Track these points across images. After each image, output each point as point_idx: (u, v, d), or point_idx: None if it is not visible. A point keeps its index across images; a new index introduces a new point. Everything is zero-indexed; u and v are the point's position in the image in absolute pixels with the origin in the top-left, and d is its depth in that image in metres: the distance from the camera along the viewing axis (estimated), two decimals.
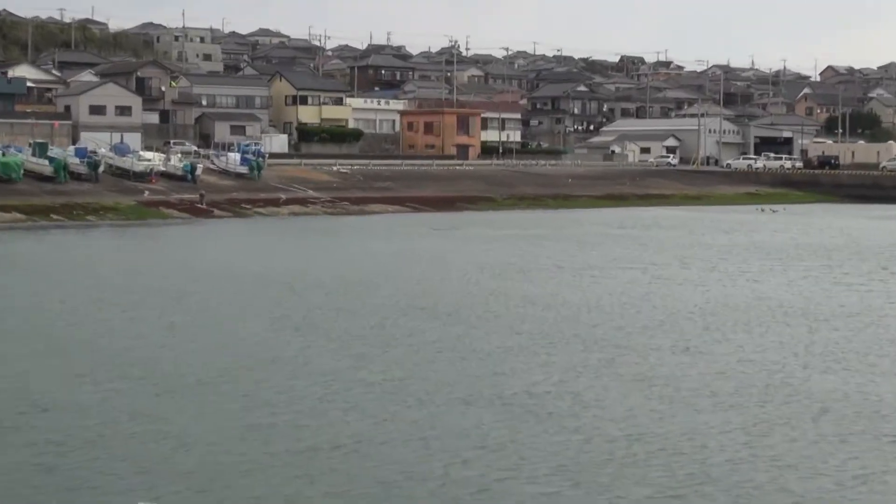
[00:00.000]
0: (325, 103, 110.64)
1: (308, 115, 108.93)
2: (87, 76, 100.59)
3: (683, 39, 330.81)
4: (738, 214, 77.22)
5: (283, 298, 32.41)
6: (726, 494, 15.30)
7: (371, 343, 25.57)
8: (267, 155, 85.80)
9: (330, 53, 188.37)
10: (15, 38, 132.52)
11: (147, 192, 69.31)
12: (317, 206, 72.87)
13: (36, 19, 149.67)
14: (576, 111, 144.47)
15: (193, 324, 28.00)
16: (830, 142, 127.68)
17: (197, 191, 69.77)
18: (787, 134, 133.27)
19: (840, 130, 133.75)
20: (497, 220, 68.53)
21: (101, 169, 71.20)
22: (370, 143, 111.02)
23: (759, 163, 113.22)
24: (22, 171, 67.04)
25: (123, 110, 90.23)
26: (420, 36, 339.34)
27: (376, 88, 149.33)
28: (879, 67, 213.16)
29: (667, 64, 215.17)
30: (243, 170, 78.74)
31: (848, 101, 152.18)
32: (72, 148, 75.41)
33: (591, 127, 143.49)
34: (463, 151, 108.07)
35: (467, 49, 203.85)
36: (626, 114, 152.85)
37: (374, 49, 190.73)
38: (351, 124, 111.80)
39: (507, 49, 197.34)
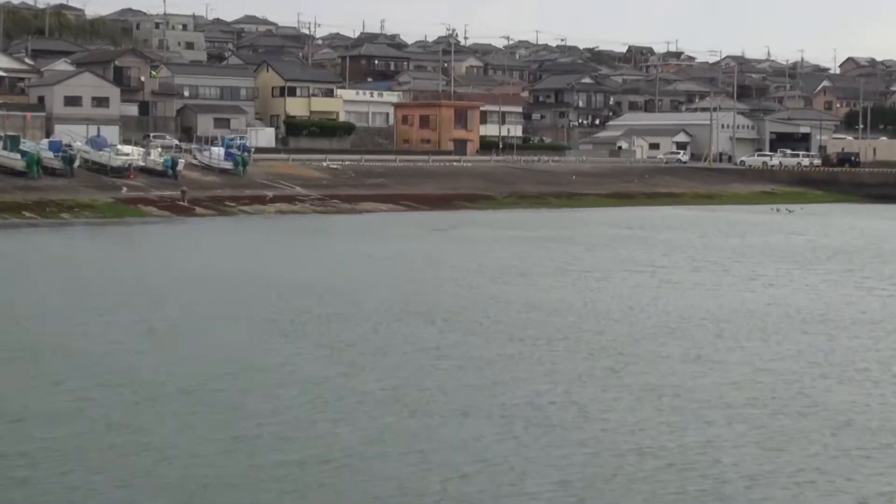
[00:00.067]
0: (314, 95, 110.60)
1: (296, 107, 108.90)
2: (62, 65, 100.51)
3: (695, 28, 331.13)
4: (752, 214, 77.27)
5: (270, 302, 32.38)
6: None
7: (363, 350, 25.56)
8: (253, 149, 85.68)
9: (320, 42, 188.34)
10: None
11: (125, 189, 69.23)
12: (305, 204, 72.84)
13: (8, 4, 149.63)
14: (580, 104, 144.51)
15: (175, 328, 27.98)
16: (850, 138, 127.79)
17: (178, 187, 69.72)
18: (804, 129, 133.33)
19: (861, 126, 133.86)
20: (497, 220, 68.48)
21: (77, 164, 71.05)
22: (362, 138, 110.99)
23: (775, 160, 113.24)
24: None
25: (100, 102, 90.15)
26: (416, 24, 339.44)
27: (369, 79, 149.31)
28: None
29: (677, 54, 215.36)
30: (227, 165, 78.64)
31: (869, 94, 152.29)
32: (45, 141, 75.24)
33: (597, 121, 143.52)
34: (461, 147, 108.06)
35: (466, 38, 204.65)
36: (633, 107, 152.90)
37: (367, 37, 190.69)
38: (342, 117, 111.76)
39: (507, 38, 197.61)
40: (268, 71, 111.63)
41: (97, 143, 75.85)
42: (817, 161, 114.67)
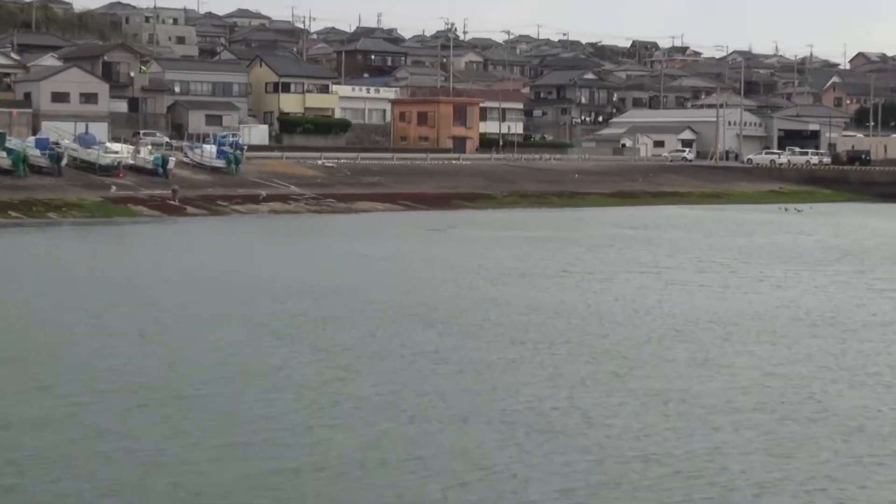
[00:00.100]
0: (309, 91, 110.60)
1: (290, 103, 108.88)
2: (50, 60, 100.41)
3: (701, 23, 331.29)
4: (759, 214, 77.30)
5: (264, 304, 32.37)
6: None
7: (360, 354, 25.55)
8: (245, 147, 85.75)
9: (315, 37, 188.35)
10: None
11: (114, 188, 69.22)
12: (300, 203, 72.84)
13: None
14: (583, 101, 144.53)
15: (165, 332, 27.97)
16: (861, 135, 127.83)
17: (169, 186, 69.72)
18: (813, 127, 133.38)
19: (872, 123, 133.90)
20: (497, 220, 68.49)
21: (64, 162, 71.05)
22: (358, 135, 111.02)
23: (783, 158, 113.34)
24: None
25: (89, 98, 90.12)
26: (413, 18, 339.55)
27: (365, 75, 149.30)
28: None
29: (683, 49, 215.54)
30: (220, 163, 78.64)
31: (880, 90, 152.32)
32: (32, 139, 75.23)
33: (600, 118, 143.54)
34: (460, 144, 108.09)
35: (465, 32, 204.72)
36: (637, 104, 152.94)
37: (363, 32, 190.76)
38: (337, 114, 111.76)
39: (508, 32, 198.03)
40: (261, 66, 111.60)
41: (85, 140, 75.81)
42: (827, 159, 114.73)
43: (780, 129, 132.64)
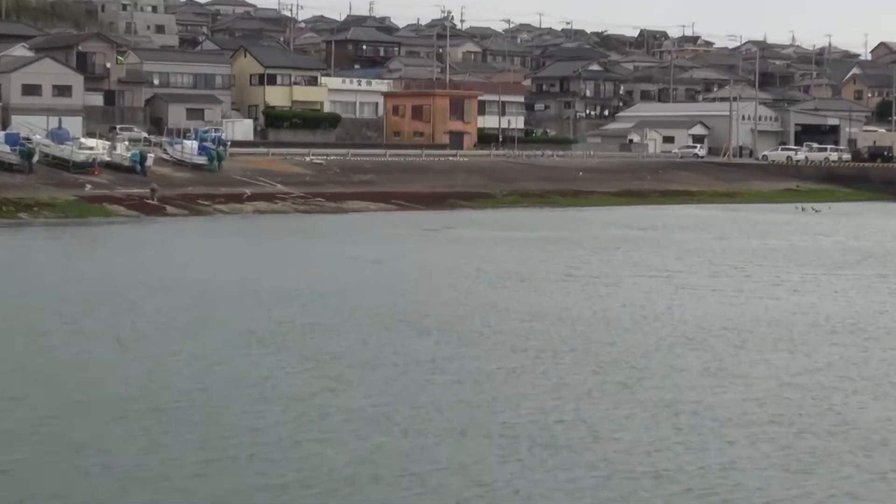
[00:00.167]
0: (296, 83, 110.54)
1: (277, 96, 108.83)
2: (20, 51, 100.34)
3: (713, 11, 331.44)
4: (775, 214, 77.35)
5: (249, 310, 32.34)
6: None
7: (351, 363, 25.53)
8: (229, 143, 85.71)
9: (303, 25, 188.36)
10: None
11: (89, 186, 69.17)
12: (286, 202, 72.82)
13: None
14: (588, 94, 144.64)
15: (144, 339, 27.93)
16: (883, 130, 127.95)
17: (147, 184, 69.67)
18: (832, 121, 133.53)
19: (894, 117, 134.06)
20: (496, 220, 68.48)
21: (36, 158, 71.00)
22: (349, 130, 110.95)
23: (800, 154, 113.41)
24: None
25: (62, 90, 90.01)
26: (407, 6, 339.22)
27: (356, 66, 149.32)
28: None
29: (694, 39, 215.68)
30: (201, 160, 78.60)
31: None
32: (1, 134, 75.15)
33: (606, 112, 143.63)
34: (457, 140, 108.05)
35: (462, 21, 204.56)
36: (646, 97, 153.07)
37: (354, 21, 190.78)
38: (327, 108, 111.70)
39: (508, 21, 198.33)
40: (245, 57, 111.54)
41: (58, 135, 75.77)
42: (846, 156, 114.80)
43: (796, 124, 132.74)
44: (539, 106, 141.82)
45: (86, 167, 71.97)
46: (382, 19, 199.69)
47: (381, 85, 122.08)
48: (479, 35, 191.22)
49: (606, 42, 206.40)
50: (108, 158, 73.88)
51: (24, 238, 54.36)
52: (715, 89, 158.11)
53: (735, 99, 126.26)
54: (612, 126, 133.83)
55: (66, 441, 19.13)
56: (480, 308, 33.44)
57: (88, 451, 18.57)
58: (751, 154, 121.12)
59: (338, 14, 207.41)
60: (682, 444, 19.52)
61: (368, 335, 28.82)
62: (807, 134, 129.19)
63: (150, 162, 74.57)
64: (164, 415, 20.84)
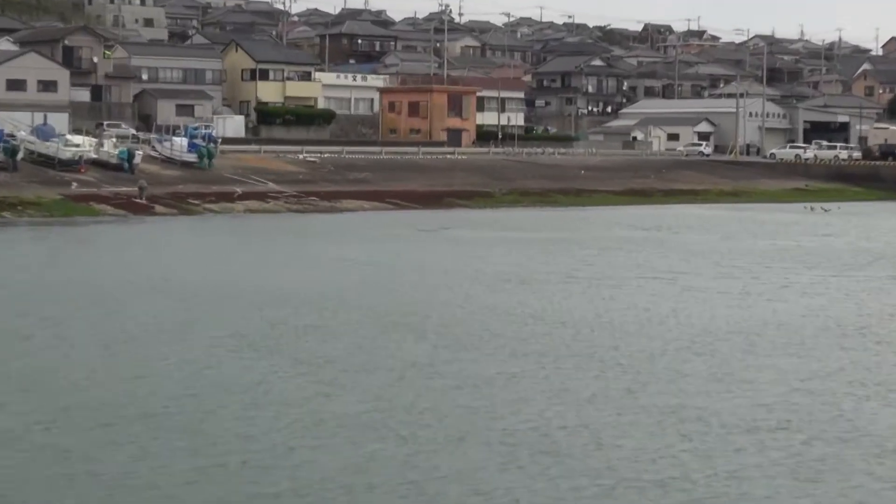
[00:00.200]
0: (289, 78, 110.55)
1: (269, 92, 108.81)
2: (5, 44, 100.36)
3: (719, 4, 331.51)
4: (783, 214, 77.38)
5: (240, 313, 32.32)
6: None
7: (345, 367, 25.51)
8: (220, 140, 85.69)
9: (296, 19, 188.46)
10: None
11: (75, 185, 69.13)
12: (279, 201, 72.81)
13: None
14: (590, 89, 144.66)
15: (132, 342, 27.91)
16: (895, 128, 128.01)
17: (135, 183, 69.61)
18: (842, 118, 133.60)
19: None
20: (496, 220, 68.49)
21: (21, 156, 70.95)
22: (344, 127, 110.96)
23: (809, 152, 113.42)
24: None
25: (47, 85, 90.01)
26: None
27: (351, 61, 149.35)
28: None
29: (699, 34, 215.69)
30: (191, 158, 78.60)
31: None
32: None
33: (609, 109, 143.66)
34: (455, 137, 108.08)
35: (460, 14, 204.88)
36: (650, 93, 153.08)
37: (349, 14, 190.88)
38: (320, 104, 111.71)
39: (508, 15, 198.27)
40: (237, 51, 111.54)
41: (44, 132, 75.71)
42: (857, 154, 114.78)
43: (805, 121, 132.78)
44: (540, 102, 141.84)
45: (72, 165, 71.92)
46: (378, 13, 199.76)
47: (377, 80, 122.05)
48: (478, 29, 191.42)
49: (609, 36, 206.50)
50: (94, 156, 73.83)
51: (8, 238, 54.32)
52: (721, 85, 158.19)
53: (742, 95, 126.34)
54: (614, 123, 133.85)
55: (51, 448, 19.10)
56: (479, 311, 33.43)
57: (74, 458, 18.54)
58: (758, 152, 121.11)
59: (332, 7, 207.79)
60: (689, 451, 19.51)
61: (363, 338, 28.80)
62: (816, 131, 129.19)
63: (138, 159, 74.53)
64: (152, 421, 20.81)
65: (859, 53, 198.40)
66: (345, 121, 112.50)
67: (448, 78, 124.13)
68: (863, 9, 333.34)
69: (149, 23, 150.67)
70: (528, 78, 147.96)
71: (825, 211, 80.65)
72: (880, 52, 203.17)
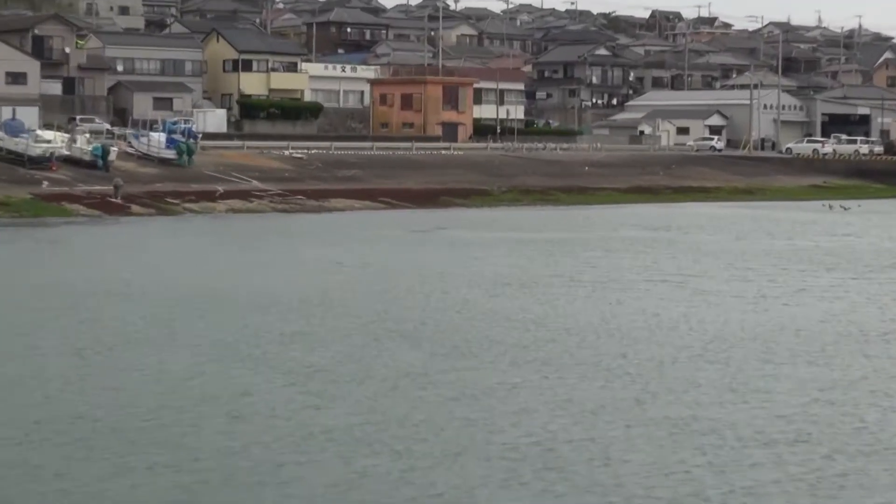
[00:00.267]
0: (274, 70, 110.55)
1: (253, 84, 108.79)
2: None
3: None
4: (800, 212, 77.45)
5: (223, 320, 32.30)
6: None
7: (335, 378, 25.48)
8: (200, 135, 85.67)
9: (281, 6, 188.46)
10: None
11: (46, 183, 69.06)
12: (263, 200, 72.78)
13: None
14: (594, 81, 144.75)
15: (107, 352, 27.87)
16: None
17: (110, 181, 69.57)
18: (863, 110, 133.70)
19: None
20: (494, 220, 68.50)
21: None
22: (332, 121, 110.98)
23: (828, 147, 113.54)
24: None
25: (16, 77, 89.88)
26: None
27: (340, 51, 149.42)
28: None
29: (710, 21, 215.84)
30: (170, 154, 78.59)
31: None
32: None
33: (614, 101, 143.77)
34: (450, 132, 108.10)
35: (456, 1, 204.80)
36: (657, 84, 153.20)
37: (338, 1, 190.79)
38: (307, 97, 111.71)
39: (506, 1, 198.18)
40: (218, 41, 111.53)
41: (12, 127, 75.62)
42: (878, 148, 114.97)
43: (823, 114, 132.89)
44: (541, 94, 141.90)
45: (42, 162, 71.86)
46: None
47: (368, 71, 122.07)
48: (475, 16, 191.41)
49: (615, 24, 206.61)
50: (66, 152, 73.75)
51: None
52: (734, 76, 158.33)
53: (756, 86, 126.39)
54: (620, 116, 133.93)
55: (21, 464, 19.05)
56: (477, 317, 33.42)
57: (46, 475, 18.50)
58: (773, 147, 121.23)
59: None
60: (702, 466, 19.49)
61: (354, 346, 28.78)
62: (835, 124, 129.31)
63: (113, 156, 74.49)
64: (129, 435, 20.77)
65: (881, 41, 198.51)
66: (333, 114, 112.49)
67: (443, 68, 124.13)
68: None
69: (124, 11, 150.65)
70: (528, 68, 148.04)
71: (845, 209, 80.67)
72: None
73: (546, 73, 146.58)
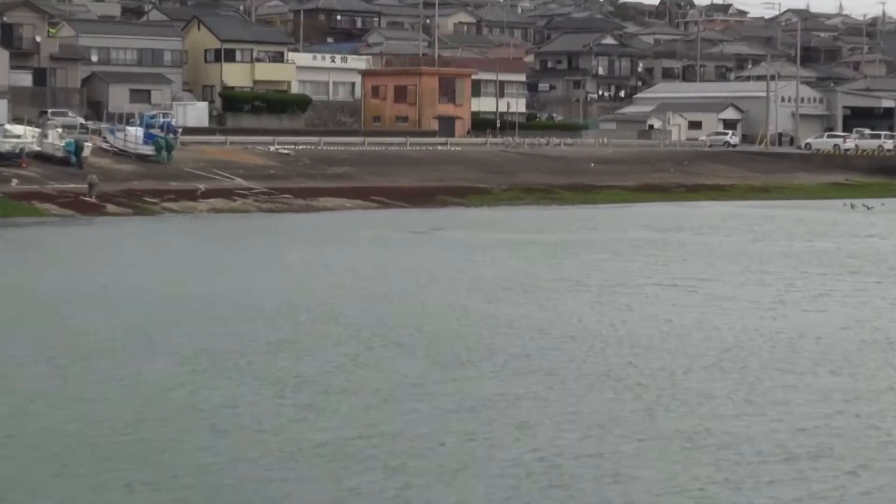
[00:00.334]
0: (259, 60, 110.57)
1: (236, 75, 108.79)
2: None
3: None
4: (820, 212, 77.50)
5: (204, 327, 32.27)
6: None
7: (324, 389, 25.46)
8: (180, 130, 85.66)
9: None
10: None
11: (15, 181, 69.04)
12: (248, 199, 72.79)
13: None
14: (600, 71, 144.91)
15: (81, 362, 27.83)
16: None
17: (84, 179, 69.57)
18: (887, 103, 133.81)
19: None
20: (494, 220, 68.52)
21: None
22: (321, 115, 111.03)
23: (850, 142, 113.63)
24: None
25: None
26: None
27: (329, 40, 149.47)
28: None
29: (724, 8, 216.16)
30: (147, 150, 78.63)
31: None
32: None
33: (622, 93, 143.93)
34: (447, 126, 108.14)
35: None
36: (668, 75, 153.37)
37: None
38: (295, 89, 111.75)
39: None
40: (199, 29, 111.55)
41: None
42: None
43: (845, 107, 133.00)
44: (543, 86, 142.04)
45: (11, 158, 71.88)
46: None
47: (359, 62, 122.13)
48: (474, 3, 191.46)
49: (622, 11, 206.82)
50: (37, 148, 73.79)
51: None
52: (749, 66, 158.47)
53: (773, 78, 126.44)
54: (628, 109, 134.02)
55: None
56: (477, 323, 33.41)
57: (18, 493, 18.47)
58: (791, 142, 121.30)
59: None
60: (717, 483, 19.47)
61: (345, 355, 28.75)
62: (857, 118, 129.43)
63: (87, 152, 74.52)
64: (106, 450, 20.73)
65: None
66: (322, 108, 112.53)
67: (439, 59, 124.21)
68: None
69: None
70: (530, 58, 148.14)
71: (868, 209, 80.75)
72: None
73: (549, 64, 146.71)
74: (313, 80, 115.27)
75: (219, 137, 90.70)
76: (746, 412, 23.96)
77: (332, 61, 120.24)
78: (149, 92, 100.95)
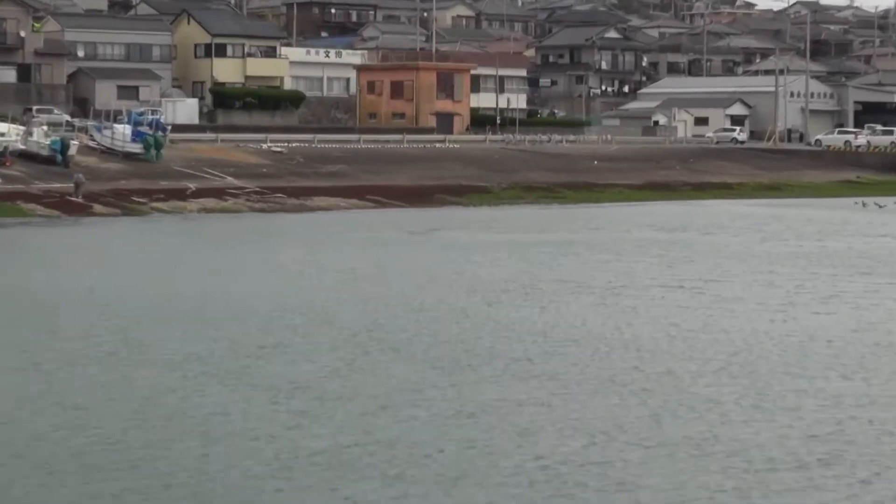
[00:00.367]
0: (250, 55, 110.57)
1: (227, 71, 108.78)
2: None
3: None
4: (831, 211, 77.50)
5: (195, 331, 32.25)
6: None
7: (319, 395, 25.43)
8: (169, 128, 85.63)
9: None
10: None
11: None
12: (239, 199, 72.78)
13: None
14: (604, 66, 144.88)
15: (68, 368, 27.80)
16: None
17: (70, 178, 69.56)
18: None
19: None
20: (494, 220, 68.51)
21: None
22: (315, 112, 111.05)
23: (861, 138, 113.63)
24: None
25: None
26: None
27: (324, 34, 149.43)
28: None
29: (731, 0, 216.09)
30: (136, 148, 78.62)
31: None
32: None
33: (626, 88, 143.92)
34: (445, 123, 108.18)
35: None
36: (673, 70, 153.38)
37: None
38: (288, 85, 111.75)
39: None
40: (189, 23, 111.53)
41: None
42: None
43: (856, 102, 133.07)
44: (545, 81, 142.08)
45: None
46: None
47: (354, 57, 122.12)
48: None
49: (626, 4, 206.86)
50: (22, 146, 73.79)
51: None
52: (757, 60, 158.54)
53: (782, 72, 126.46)
54: (632, 105, 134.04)
55: None
56: (476, 326, 33.38)
57: None
58: (801, 138, 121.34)
59: None
60: (726, 491, 19.45)
61: (340, 360, 28.73)
62: (869, 113, 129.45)
63: (73, 151, 74.53)
64: (94, 458, 20.71)
65: None
66: (316, 104, 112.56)
67: (437, 53, 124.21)
68: None
69: None
70: (530, 53, 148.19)
71: (880, 207, 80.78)
72: None
73: (550, 58, 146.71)
74: (307, 76, 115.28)
75: (209, 135, 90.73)
76: (756, 418, 23.94)
77: (327, 56, 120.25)
78: (137, 88, 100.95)
